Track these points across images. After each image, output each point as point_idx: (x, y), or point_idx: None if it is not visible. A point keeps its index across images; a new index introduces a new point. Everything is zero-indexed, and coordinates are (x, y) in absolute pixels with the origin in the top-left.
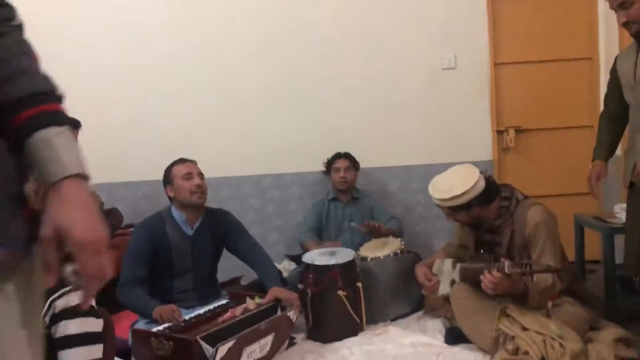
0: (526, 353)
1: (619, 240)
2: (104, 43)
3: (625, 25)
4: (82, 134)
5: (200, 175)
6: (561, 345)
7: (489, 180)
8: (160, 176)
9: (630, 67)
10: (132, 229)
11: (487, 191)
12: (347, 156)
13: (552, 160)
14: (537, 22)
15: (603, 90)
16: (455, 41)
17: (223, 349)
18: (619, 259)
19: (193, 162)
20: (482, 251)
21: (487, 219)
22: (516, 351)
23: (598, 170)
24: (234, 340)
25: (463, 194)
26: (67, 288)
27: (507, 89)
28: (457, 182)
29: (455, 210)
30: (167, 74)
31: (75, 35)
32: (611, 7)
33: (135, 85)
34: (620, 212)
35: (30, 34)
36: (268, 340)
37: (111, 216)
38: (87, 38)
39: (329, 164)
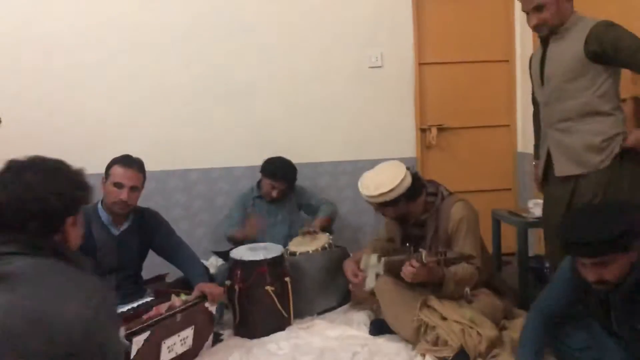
0: (445, 343)
1: (532, 234)
2: (27, 33)
3: (535, 28)
4: (2, 128)
5: (133, 188)
6: (478, 333)
7: (415, 177)
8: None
9: (538, 66)
10: None
11: (413, 187)
12: (284, 178)
13: (472, 158)
14: (459, 24)
15: (519, 90)
16: (381, 40)
17: (139, 341)
18: (531, 251)
19: (134, 170)
20: (407, 244)
21: (413, 214)
22: (436, 341)
23: (539, 170)
24: (149, 332)
25: (391, 190)
26: None
27: (431, 88)
28: (385, 180)
29: (384, 205)
30: (90, 63)
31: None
32: (524, 10)
33: (55, 74)
34: (533, 207)
35: None
36: (188, 333)
37: None
38: (10, 28)
39: (267, 170)
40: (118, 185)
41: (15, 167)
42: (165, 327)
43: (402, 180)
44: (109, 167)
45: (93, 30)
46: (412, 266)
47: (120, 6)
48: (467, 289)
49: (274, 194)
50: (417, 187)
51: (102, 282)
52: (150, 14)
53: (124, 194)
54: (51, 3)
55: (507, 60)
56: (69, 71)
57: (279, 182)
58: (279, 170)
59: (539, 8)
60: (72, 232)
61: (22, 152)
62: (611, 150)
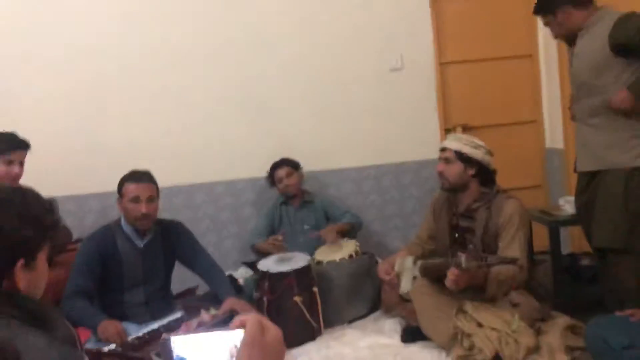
0: (481, 350)
1: (564, 232)
2: (50, 50)
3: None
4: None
5: (150, 199)
6: (515, 341)
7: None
8: (107, 188)
9: (570, 63)
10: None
11: (486, 167)
12: (284, 163)
13: (499, 156)
14: (479, 21)
15: (545, 85)
16: (401, 42)
17: None
18: (564, 249)
19: (145, 182)
20: (456, 235)
21: (466, 194)
22: (471, 348)
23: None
24: None
25: (481, 147)
26: None
27: (454, 88)
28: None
29: (459, 158)
30: (114, 79)
31: (22, 39)
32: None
33: (81, 92)
34: (564, 204)
35: None
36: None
37: (60, 235)
38: (32, 44)
39: (271, 176)
40: (135, 200)
41: None
42: None
43: (485, 152)
44: (120, 186)
45: (122, 57)
46: (452, 274)
47: (147, 29)
48: (513, 293)
49: (285, 181)
50: (488, 171)
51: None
52: (175, 36)
53: (142, 207)
54: (72, 21)
55: (530, 55)
56: (97, 94)
57: (281, 168)
58: (274, 163)
59: (545, 24)
60: (23, 277)
61: (51, 173)
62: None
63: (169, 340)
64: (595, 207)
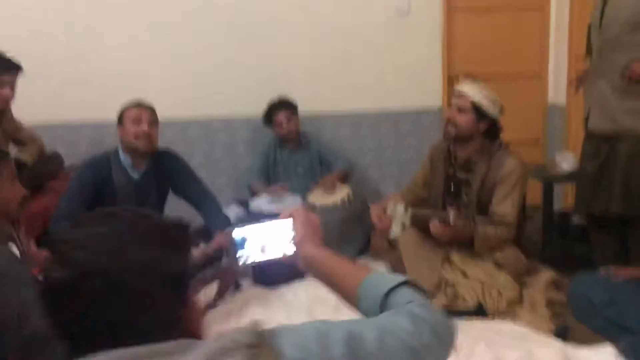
0: (464, 299)
1: (558, 188)
2: None
3: None
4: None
5: (152, 123)
6: (499, 292)
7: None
8: (100, 117)
9: (599, 10)
10: (76, 169)
11: (496, 123)
12: (284, 106)
13: None
14: None
15: (552, 40)
16: None
17: None
18: (556, 206)
19: (148, 109)
20: (451, 188)
21: (468, 146)
22: (455, 297)
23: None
24: None
25: (498, 103)
26: None
27: (460, 35)
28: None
29: (474, 109)
30: (109, 6)
31: None
32: None
33: (76, 19)
34: (561, 161)
35: None
36: (212, 287)
37: (53, 161)
38: None
39: (268, 116)
40: (136, 120)
41: None
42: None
43: (500, 109)
44: (120, 114)
45: None
46: (435, 227)
47: None
48: (499, 254)
49: (285, 125)
50: (497, 127)
51: None
52: None
53: (144, 126)
54: None
55: (542, 7)
56: (92, 22)
57: (282, 111)
58: (274, 104)
59: None
60: None
61: (44, 99)
62: None
63: (231, 231)
64: (615, 174)
